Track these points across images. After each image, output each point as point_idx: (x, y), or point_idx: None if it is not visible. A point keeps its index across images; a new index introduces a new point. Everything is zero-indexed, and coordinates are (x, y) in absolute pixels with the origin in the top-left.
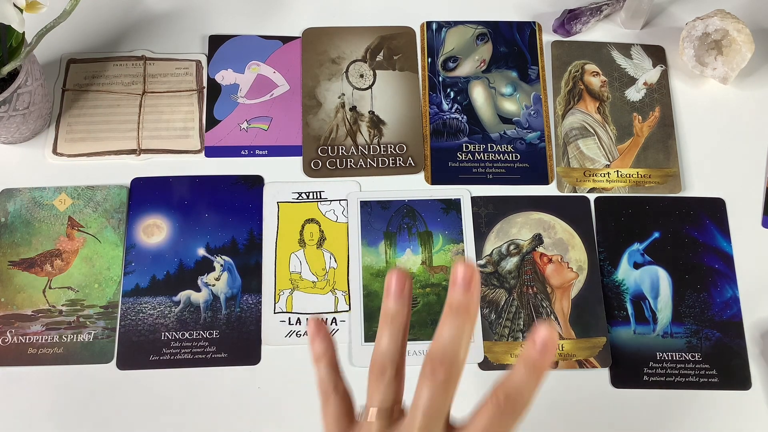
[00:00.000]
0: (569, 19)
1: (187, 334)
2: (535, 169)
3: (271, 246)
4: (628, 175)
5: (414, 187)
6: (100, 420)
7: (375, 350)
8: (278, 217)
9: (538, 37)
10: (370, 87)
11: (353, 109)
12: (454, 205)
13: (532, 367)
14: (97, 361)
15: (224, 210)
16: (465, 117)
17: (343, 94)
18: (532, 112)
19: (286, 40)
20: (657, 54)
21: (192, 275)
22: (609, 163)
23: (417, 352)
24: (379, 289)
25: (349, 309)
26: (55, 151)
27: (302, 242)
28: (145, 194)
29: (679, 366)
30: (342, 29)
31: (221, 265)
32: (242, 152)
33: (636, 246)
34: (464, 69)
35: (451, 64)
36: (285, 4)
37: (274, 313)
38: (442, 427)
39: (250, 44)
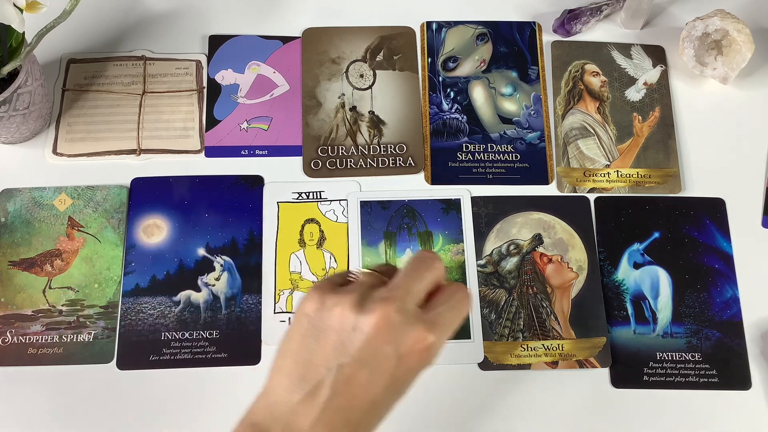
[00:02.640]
0: (569, 19)
1: (187, 334)
2: (535, 169)
3: (271, 246)
4: (628, 175)
5: (414, 187)
6: (100, 420)
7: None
8: (278, 217)
9: (538, 37)
10: (370, 87)
11: (353, 109)
12: (454, 205)
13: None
14: (97, 361)
15: (224, 210)
16: (465, 117)
17: (343, 94)
18: (532, 112)
19: (286, 40)
20: (657, 54)
21: (192, 275)
22: (609, 163)
23: None
24: None
25: None
26: (55, 151)
27: (302, 242)
28: (145, 194)
29: (679, 366)
30: (342, 29)
31: (221, 265)
32: (242, 152)
33: (636, 246)
34: (464, 69)
35: (451, 64)
36: (285, 4)
37: (274, 313)
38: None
39: (250, 44)
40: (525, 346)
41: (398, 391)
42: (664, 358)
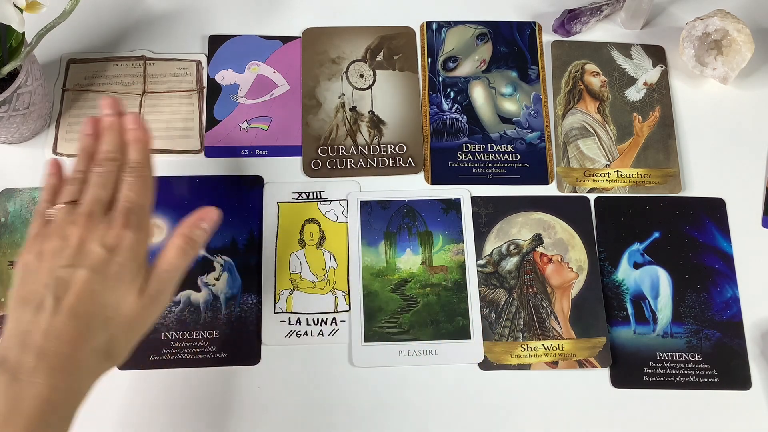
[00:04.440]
0: (569, 19)
1: (187, 334)
2: (535, 169)
3: (271, 246)
4: (628, 175)
5: (414, 187)
6: (99, 420)
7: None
8: (278, 217)
9: (538, 37)
10: (370, 87)
11: (353, 109)
12: (454, 205)
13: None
14: None
15: (224, 210)
16: (465, 117)
17: (343, 94)
18: (532, 112)
19: (286, 40)
20: (657, 54)
21: (192, 275)
22: (609, 163)
23: (417, 352)
24: (379, 289)
25: (349, 309)
26: (55, 151)
27: (302, 242)
28: None
29: (679, 366)
30: (342, 29)
31: (221, 265)
32: (242, 152)
33: (636, 246)
34: (464, 69)
35: (451, 64)
36: (285, 4)
37: (274, 313)
38: (145, 223)
39: (250, 44)
40: (525, 346)
41: (119, 278)
42: (664, 358)
